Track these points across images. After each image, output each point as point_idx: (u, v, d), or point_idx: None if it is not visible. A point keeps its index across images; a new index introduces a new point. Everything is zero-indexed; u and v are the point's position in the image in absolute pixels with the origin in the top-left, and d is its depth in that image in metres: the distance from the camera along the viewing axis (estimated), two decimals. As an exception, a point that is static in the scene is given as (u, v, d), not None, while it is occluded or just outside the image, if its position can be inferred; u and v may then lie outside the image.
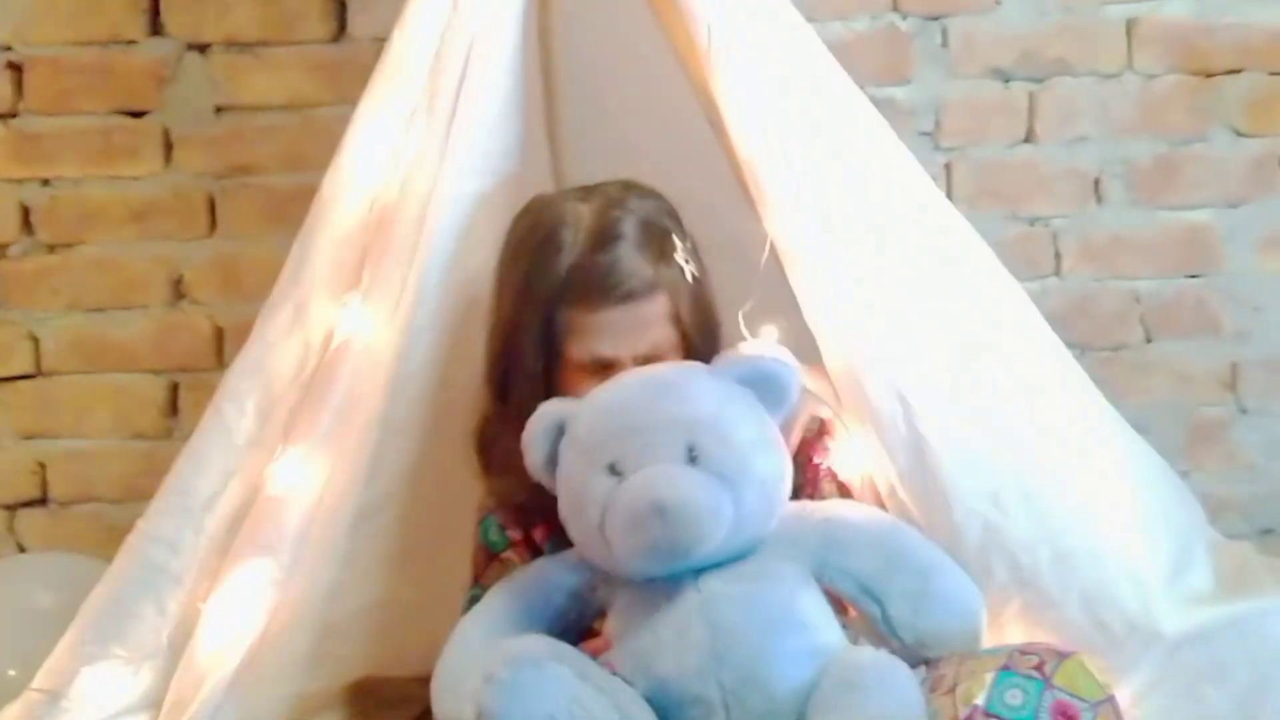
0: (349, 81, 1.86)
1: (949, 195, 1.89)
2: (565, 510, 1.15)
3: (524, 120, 1.39)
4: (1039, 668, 1.05)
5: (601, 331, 1.24)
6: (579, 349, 1.25)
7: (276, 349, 1.32)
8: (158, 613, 1.26)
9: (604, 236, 1.24)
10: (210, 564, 1.27)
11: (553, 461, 1.16)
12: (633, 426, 1.11)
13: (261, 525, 1.24)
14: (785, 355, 1.18)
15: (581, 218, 1.25)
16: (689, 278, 1.27)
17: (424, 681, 1.46)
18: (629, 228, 1.24)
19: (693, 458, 1.08)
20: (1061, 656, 1.07)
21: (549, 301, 1.24)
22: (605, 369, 1.24)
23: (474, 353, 1.41)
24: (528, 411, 1.20)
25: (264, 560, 1.23)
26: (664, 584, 1.10)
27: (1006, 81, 1.92)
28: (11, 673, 1.44)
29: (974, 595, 1.18)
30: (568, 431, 1.15)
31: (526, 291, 1.26)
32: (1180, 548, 1.32)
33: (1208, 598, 1.29)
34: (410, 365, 1.33)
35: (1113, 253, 1.94)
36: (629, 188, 1.29)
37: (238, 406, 1.32)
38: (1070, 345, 1.88)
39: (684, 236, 1.28)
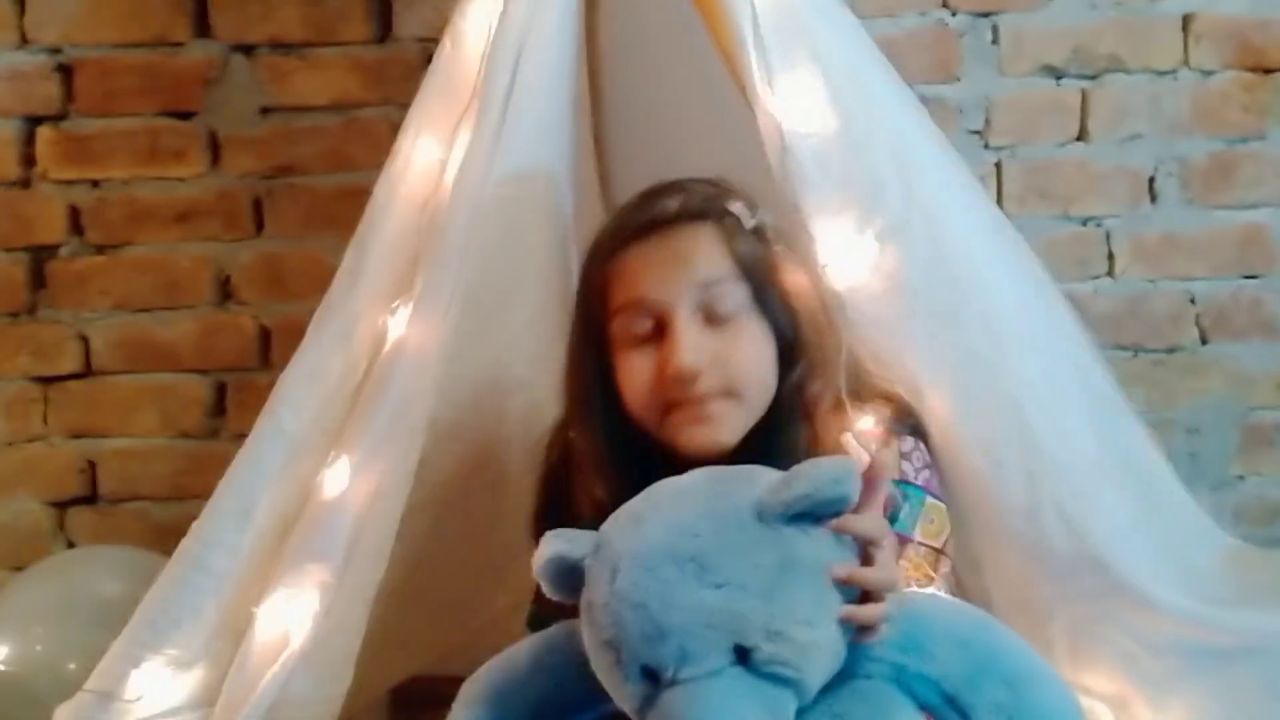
0: (393, 82, 1.88)
1: (998, 195, 1.88)
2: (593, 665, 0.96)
3: (572, 123, 1.39)
4: None
5: (638, 268, 1.10)
6: (622, 298, 1.11)
7: (333, 355, 1.32)
8: (210, 615, 1.27)
9: (651, 189, 1.16)
10: (263, 568, 1.27)
11: (576, 589, 0.96)
12: (665, 626, 0.89)
13: (314, 531, 1.24)
14: (843, 468, 0.93)
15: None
16: (745, 225, 1.12)
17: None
18: (680, 185, 1.15)
19: (743, 656, 0.89)
20: None
21: (593, 270, 1.14)
22: (659, 337, 1.09)
23: (523, 357, 1.41)
24: (588, 420, 1.14)
25: (316, 565, 1.23)
26: None
27: (1058, 79, 1.89)
28: (71, 666, 1.45)
29: (1071, 710, 0.99)
30: (586, 588, 0.95)
31: (580, 283, 1.17)
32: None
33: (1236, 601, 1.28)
34: (459, 369, 1.32)
35: (1167, 253, 1.91)
36: (706, 178, 1.18)
37: (294, 412, 1.32)
38: (1123, 347, 1.89)
39: (747, 202, 1.14)
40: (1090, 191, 1.90)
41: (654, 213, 1.13)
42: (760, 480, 0.95)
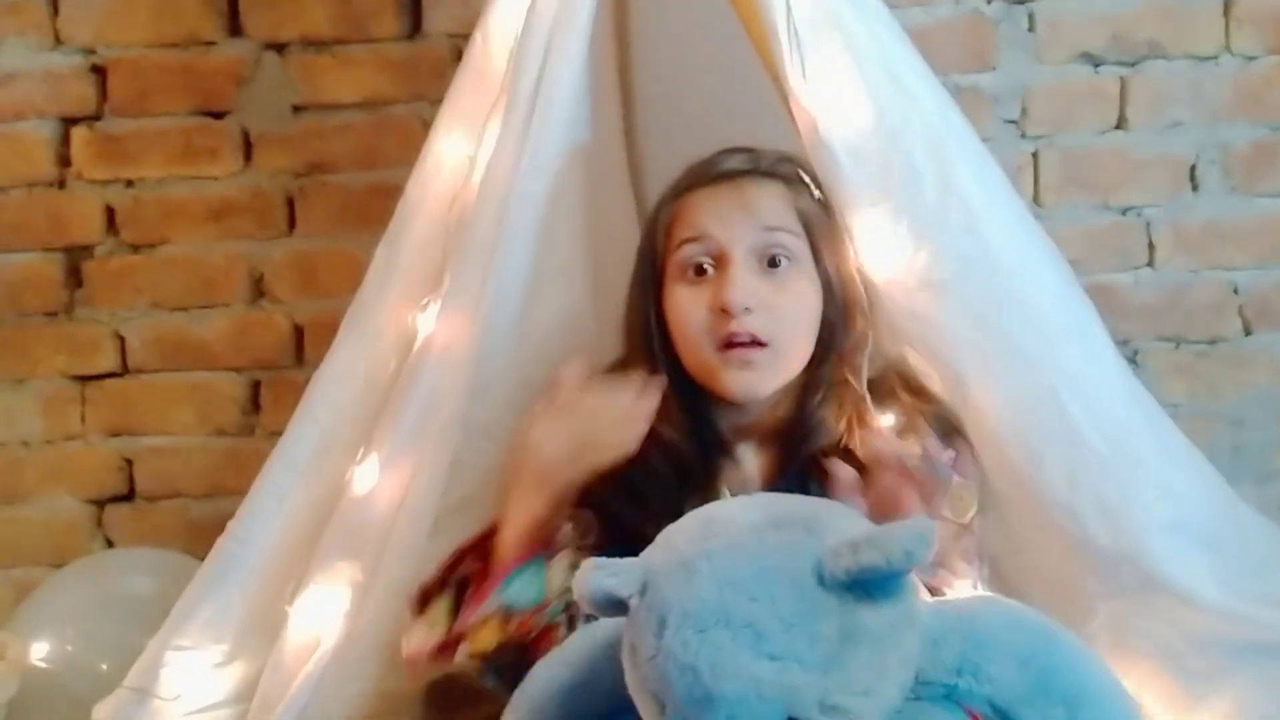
0: (424, 78, 1.88)
1: (1035, 185, 1.86)
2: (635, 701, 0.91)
3: (601, 116, 1.37)
4: None
5: (705, 209, 1.16)
6: (682, 236, 1.16)
7: (365, 353, 1.32)
8: (245, 611, 1.27)
9: (725, 151, 1.22)
10: (296, 565, 1.27)
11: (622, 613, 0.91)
12: (715, 695, 0.83)
13: (345, 528, 1.24)
14: (919, 538, 0.85)
15: None
16: (814, 194, 1.18)
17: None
18: (755, 150, 1.21)
19: None
20: None
21: (657, 217, 1.20)
22: (715, 275, 1.14)
23: (555, 353, 1.40)
24: (647, 355, 1.18)
25: (347, 563, 1.23)
26: None
27: (1096, 66, 1.86)
28: (104, 666, 1.46)
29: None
30: (631, 627, 0.89)
31: (649, 218, 1.23)
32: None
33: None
34: (491, 367, 1.32)
35: (1209, 242, 1.87)
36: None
37: (328, 409, 1.32)
38: (1165, 338, 1.86)
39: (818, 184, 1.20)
40: (1130, 180, 1.87)
41: (725, 165, 1.21)
42: (823, 527, 0.89)
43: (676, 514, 0.95)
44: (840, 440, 1.16)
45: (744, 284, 1.13)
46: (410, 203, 1.35)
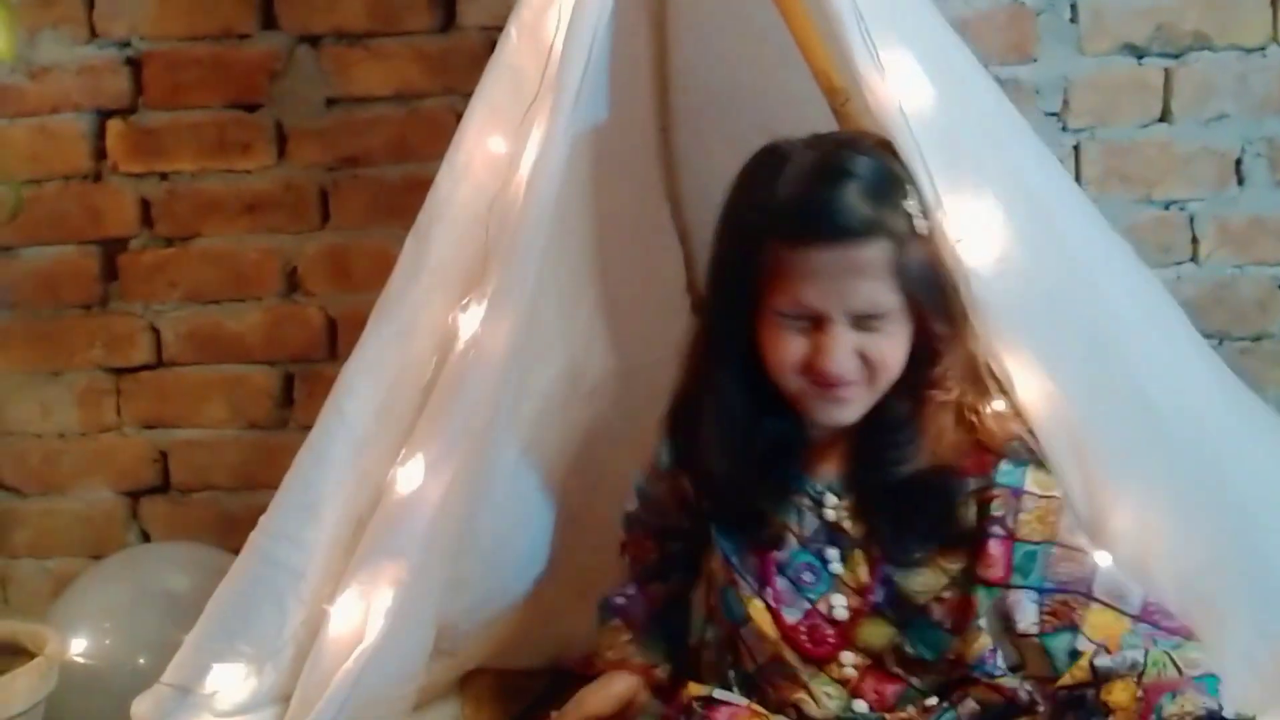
0: (457, 71, 1.87)
1: (1077, 178, 1.83)
2: None
3: (645, 115, 1.36)
4: None
5: (809, 273, 1.11)
6: (783, 295, 1.13)
7: (395, 348, 1.30)
8: (281, 609, 1.27)
9: (829, 170, 1.13)
10: (333, 564, 1.26)
11: None
12: None
13: (389, 528, 1.23)
14: None
15: (806, 155, 1.14)
16: (917, 229, 1.13)
17: (535, 674, 1.48)
18: (858, 166, 1.13)
19: None
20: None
21: (758, 235, 1.13)
22: (811, 328, 1.12)
23: (601, 355, 1.39)
24: (730, 373, 1.17)
25: (392, 563, 1.22)
26: None
27: (1140, 58, 1.83)
28: (141, 660, 1.47)
29: None
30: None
31: (737, 227, 1.17)
32: None
33: None
34: (539, 369, 1.31)
35: (1254, 237, 1.84)
36: (863, 135, 1.20)
37: (358, 405, 1.31)
38: (1208, 334, 1.82)
39: (915, 190, 1.15)
40: (1173, 174, 1.84)
41: (833, 218, 1.12)
42: None
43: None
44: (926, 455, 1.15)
45: (843, 353, 1.12)
46: (440, 197, 1.33)
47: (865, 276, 1.11)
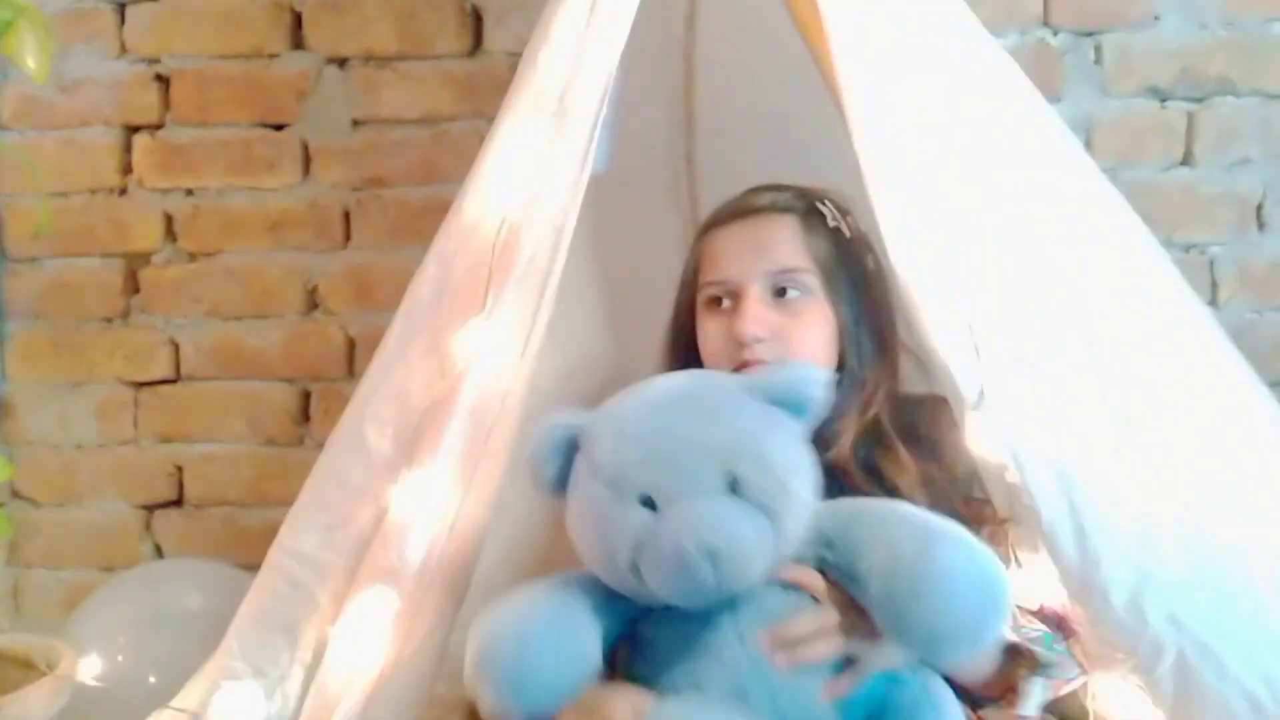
0: (483, 95, 1.88)
1: (1098, 219, 1.82)
2: (583, 540, 1.04)
3: (664, 141, 1.36)
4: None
5: (724, 250, 1.25)
6: (708, 272, 1.26)
7: (415, 373, 1.31)
8: (291, 632, 1.26)
9: (753, 189, 1.30)
10: (342, 586, 1.26)
11: (562, 481, 1.06)
12: (664, 454, 0.99)
13: (383, 551, 1.23)
14: (816, 374, 1.08)
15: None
16: (831, 223, 1.25)
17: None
18: (779, 185, 1.29)
19: (733, 487, 0.98)
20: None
21: (697, 242, 1.30)
22: (732, 307, 1.22)
23: (611, 377, 1.39)
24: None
25: (384, 586, 1.22)
26: (697, 615, 1.02)
27: (1163, 101, 1.83)
28: (152, 679, 1.47)
29: (947, 559, 0.96)
30: (583, 450, 1.04)
31: (688, 255, 1.33)
32: None
33: None
34: (547, 391, 1.31)
35: (1274, 282, 1.84)
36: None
37: (375, 426, 1.31)
38: (1226, 379, 1.81)
39: (845, 213, 1.27)
40: (1195, 217, 1.84)
41: (745, 203, 1.29)
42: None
43: None
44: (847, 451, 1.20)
45: (755, 315, 1.21)
46: (466, 225, 1.34)
47: (776, 246, 1.23)
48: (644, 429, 1.02)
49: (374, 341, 1.48)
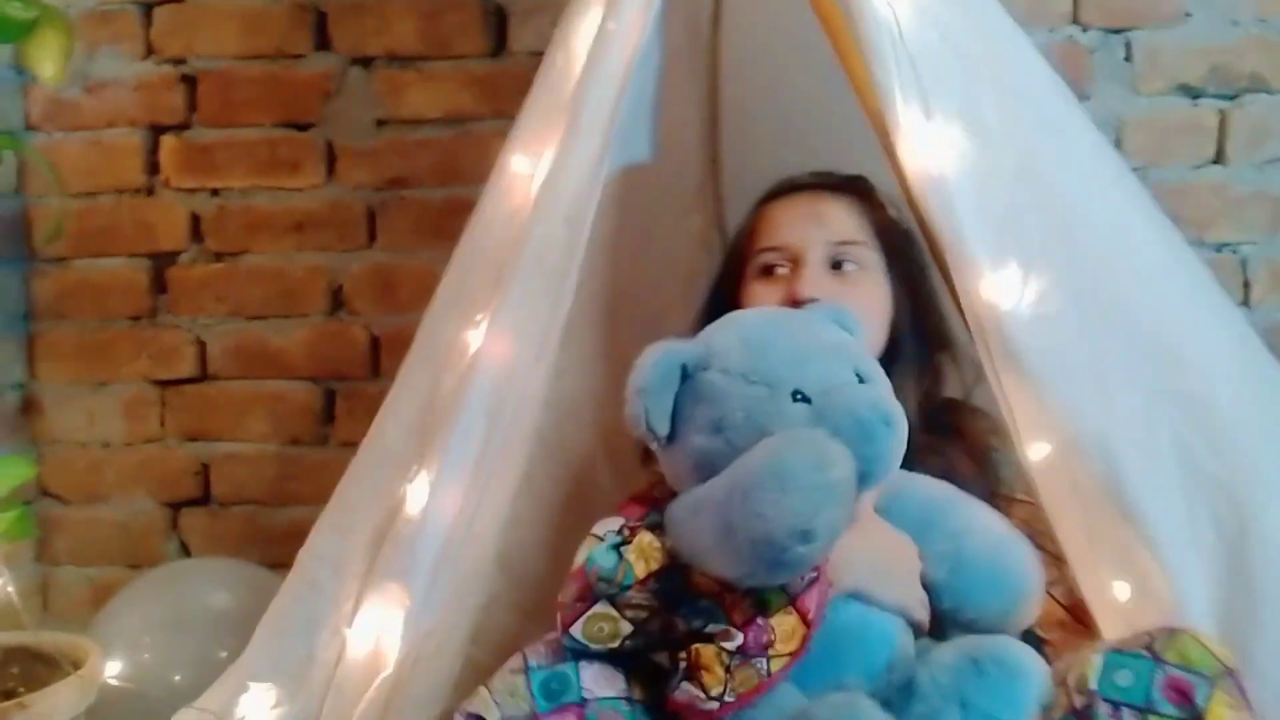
0: (506, 96, 1.87)
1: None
2: (725, 450, 1.03)
3: (694, 144, 1.36)
4: (1148, 646, 1.00)
5: (784, 219, 1.27)
6: (764, 237, 1.27)
7: (432, 372, 1.31)
8: (312, 632, 1.27)
9: (808, 172, 1.32)
10: (359, 588, 1.26)
11: (669, 415, 1.06)
12: (805, 352, 1.06)
13: (396, 549, 1.23)
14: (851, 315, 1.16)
15: None
16: (888, 210, 1.28)
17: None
18: (833, 172, 1.32)
19: (861, 380, 1.06)
20: (1173, 633, 1.01)
21: (750, 215, 1.31)
22: (789, 274, 1.24)
23: (627, 371, 1.39)
24: None
25: (397, 585, 1.22)
26: None
27: (1195, 99, 1.81)
28: (177, 678, 1.47)
29: (1009, 568, 1.11)
30: (710, 368, 1.06)
31: (736, 231, 1.36)
32: None
33: None
34: (564, 387, 1.31)
35: (1308, 282, 1.81)
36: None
37: (397, 427, 1.31)
38: (1257, 381, 1.79)
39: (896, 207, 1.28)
40: (1226, 216, 1.82)
41: (805, 179, 1.32)
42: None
43: None
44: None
45: (813, 280, 1.23)
46: (480, 220, 1.34)
47: (835, 213, 1.26)
48: (772, 340, 1.07)
49: (398, 341, 1.49)
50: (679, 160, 1.50)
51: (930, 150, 1.15)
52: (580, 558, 1.09)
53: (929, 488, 1.16)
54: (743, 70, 1.48)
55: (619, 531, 1.12)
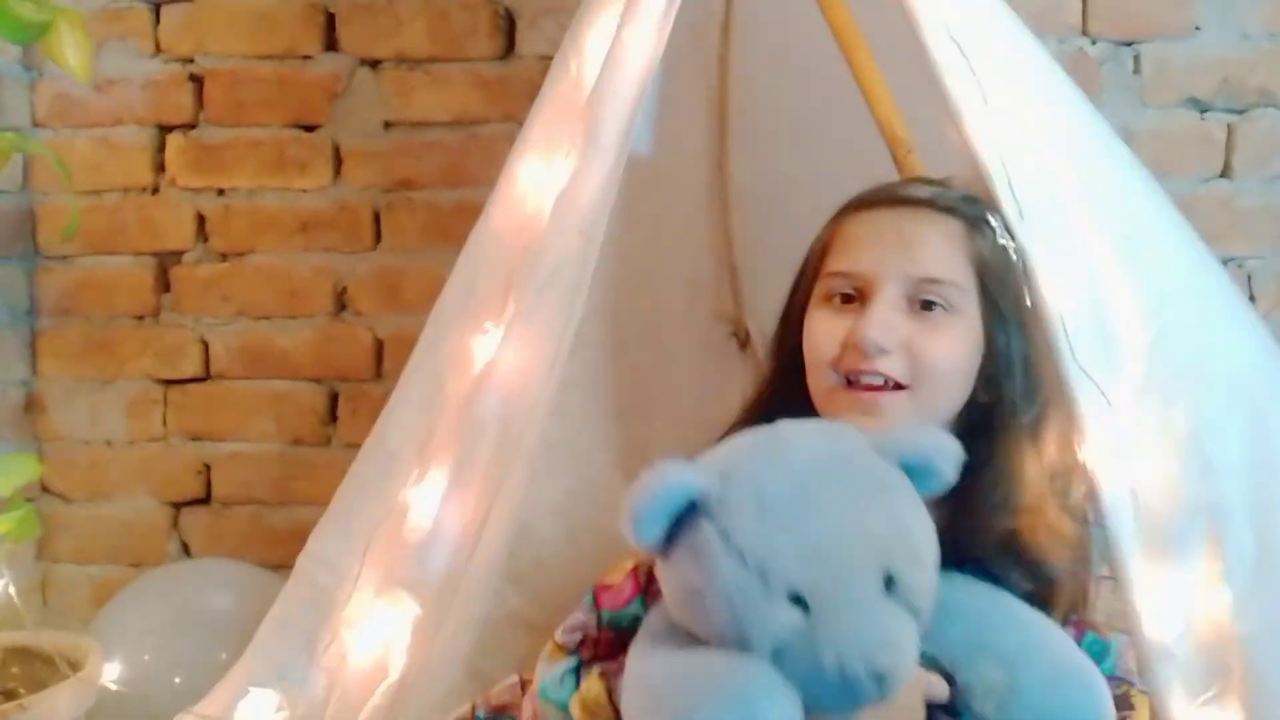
0: (514, 99, 1.87)
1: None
2: (704, 617, 0.89)
3: (702, 150, 1.35)
4: None
5: (863, 237, 1.04)
6: (837, 258, 1.05)
7: (437, 379, 1.31)
8: (314, 637, 1.26)
9: (913, 178, 1.13)
10: (364, 593, 1.26)
11: (665, 539, 0.91)
12: (823, 547, 0.86)
13: (403, 558, 1.23)
14: (953, 448, 0.93)
15: None
16: (998, 237, 1.04)
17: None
18: (945, 182, 1.10)
19: (888, 585, 0.87)
20: None
21: (828, 226, 1.09)
22: (858, 305, 1.03)
23: (640, 386, 1.39)
24: (776, 371, 1.10)
25: (405, 592, 1.22)
26: None
27: (1203, 112, 1.81)
28: (177, 680, 1.47)
29: (1075, 701, 0.93)
30: (713, 519, 0.89)
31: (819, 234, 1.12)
32: None
33: None
34: (572, 396, 1.31)
35: (1313, 298, 1.81)
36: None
37: (399, 432, 1.31)
38: (1263, 395, 1.79)
39: (1000, 215, 1.07)
40: (1233, 230, 1.81)
41: (903, 191, 1.09)
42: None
43: None
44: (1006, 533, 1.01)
45: (883, 320, 1.01)
46: (487, 225, 1.34)
47: (927, 241, 1.03)
48: (794, 512, 0.88)
49: (402, 343, 1.48)
50: (687, 167, 1.50)
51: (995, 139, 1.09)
52: (536, 676, 1.08)
53: (976, 602, 0.96)
54: (752, 77, 1.48)
55: (577, 648, 1.09)
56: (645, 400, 1.48)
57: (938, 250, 1.03)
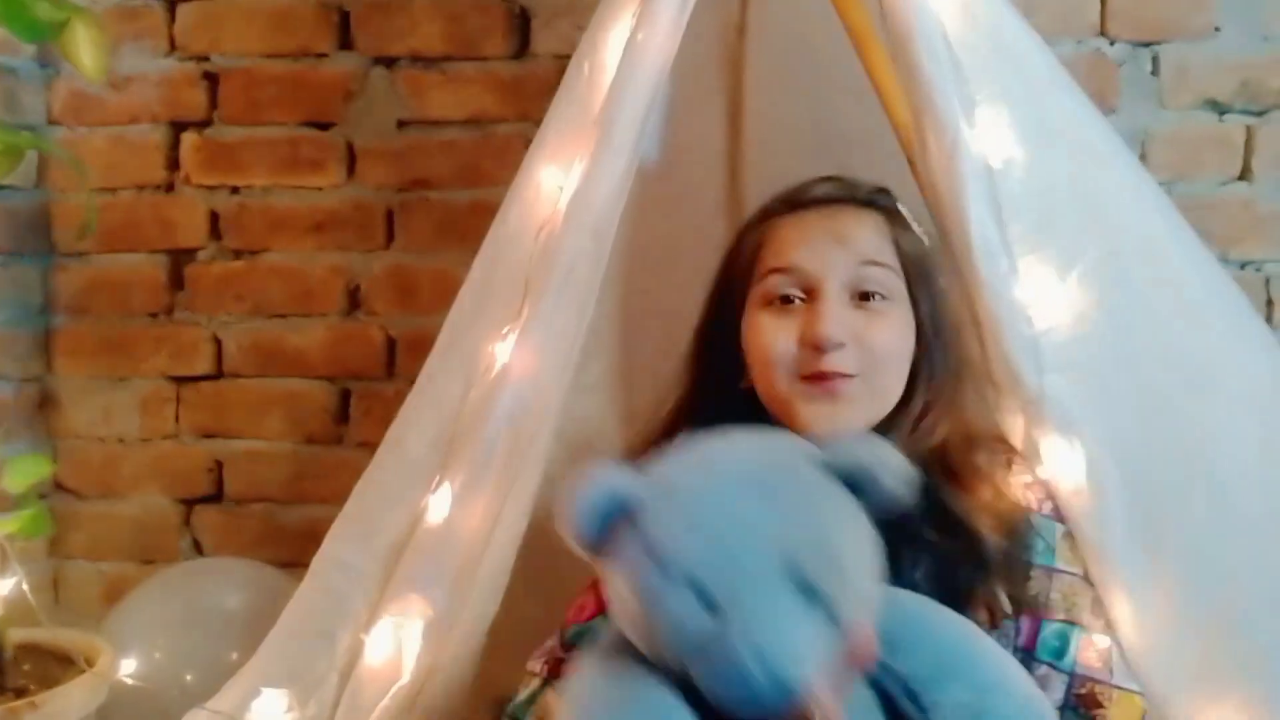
0: (529, 98, 1.87)
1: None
2: (627, 618, 0.92)
3: (716, 153, 1.35)
4: None
5: (798, 239, 1.09)
6: (770, 265, 1.10)
7: (453, 381, 1.30)
8: (329, 638, 1.26)
9: (818, 179, 1.17)
10: (378, 595, 1.26)
11: (601, 542, 0.93)
12: (728, 545, 0.88)
13: (419, 559, 1.23)
14: (905, 469, 0.94)
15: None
16: (914, 230, 1.13)
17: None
18: (849, 179, 1.17)
19: (800, 587, 0.87)
20: None
21: (754, 228, 1.15)
22: (804, 306, 1.08)
23: (651, 387, 1.38)
24: (704, 386, 1.14)
25: (418, 595, 1.22)
26: None
27: (1222, 114, 1.79)
28: (189, 678, 1.48)
29: None
30: (637, 522, 0.91)
31: (731, 253, 1.18)
32: None
33: None
34: (585, 398, 1.30)
35: (1332, 302, 1.80)
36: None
37: (416, 435, 1.31)
38: (1280, 401, 1.77)
39: (910, 214, 1.16)
40: (1252, 234, 1.80)
41: (819, 191, 1.16)
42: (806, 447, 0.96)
43: None
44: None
45: (836, 317, 1.07)
46: (503, 227, 1.33)
47: (859, 235, 1.10)
48: (707, 514, 0.90)
49: (415, 343, 1.48)
50: (702, 171, 1.49)
51: (978, 150, 1.13)
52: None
53: (948, 628, 0.98)
54: (768, 80, 1.47)
55: (540, 670, 1.14)
56: (659, 403, 1.47)
57: (869, 241, 1.11)
